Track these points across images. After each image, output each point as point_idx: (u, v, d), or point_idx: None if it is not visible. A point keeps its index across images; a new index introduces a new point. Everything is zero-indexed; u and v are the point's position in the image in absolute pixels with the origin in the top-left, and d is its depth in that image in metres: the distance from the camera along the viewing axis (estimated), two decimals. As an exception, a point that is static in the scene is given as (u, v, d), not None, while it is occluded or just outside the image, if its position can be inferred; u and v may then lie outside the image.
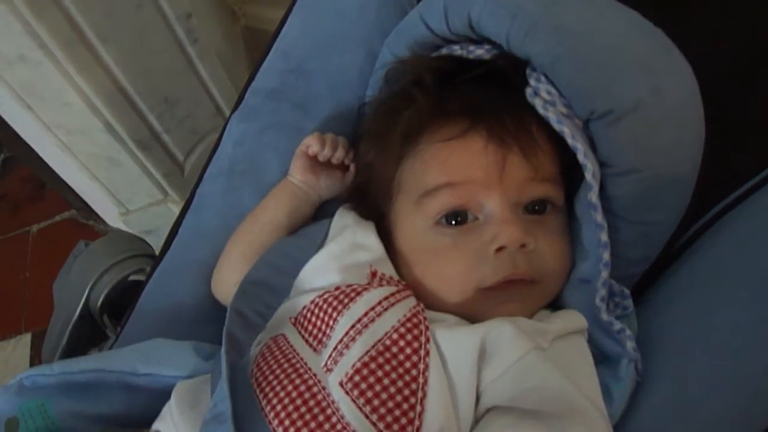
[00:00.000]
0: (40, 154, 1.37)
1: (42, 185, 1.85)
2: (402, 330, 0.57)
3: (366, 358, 0.56)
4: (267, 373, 0.58)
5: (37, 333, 1.65)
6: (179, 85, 1.31)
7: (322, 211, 0.79)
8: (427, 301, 0.62)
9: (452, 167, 0.62)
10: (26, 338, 1.65)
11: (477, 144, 0.61)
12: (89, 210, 1.61)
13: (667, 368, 0.58)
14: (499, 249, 0.59)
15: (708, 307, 0.59)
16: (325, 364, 0.57)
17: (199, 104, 1.37)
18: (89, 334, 0.91)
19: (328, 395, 0.55)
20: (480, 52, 0.66)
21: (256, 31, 1.54)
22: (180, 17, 1.23)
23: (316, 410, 0.54)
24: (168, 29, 1.24)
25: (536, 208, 0.62)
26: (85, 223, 1.77)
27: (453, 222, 0.62)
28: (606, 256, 0.59)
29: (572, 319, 0.61)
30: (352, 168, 0.76)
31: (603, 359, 0.60)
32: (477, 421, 0.54)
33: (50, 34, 1.03)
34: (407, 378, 0.54)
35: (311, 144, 0.73)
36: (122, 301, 0.86)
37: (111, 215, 1.52)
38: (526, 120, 0.62)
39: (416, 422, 0.52)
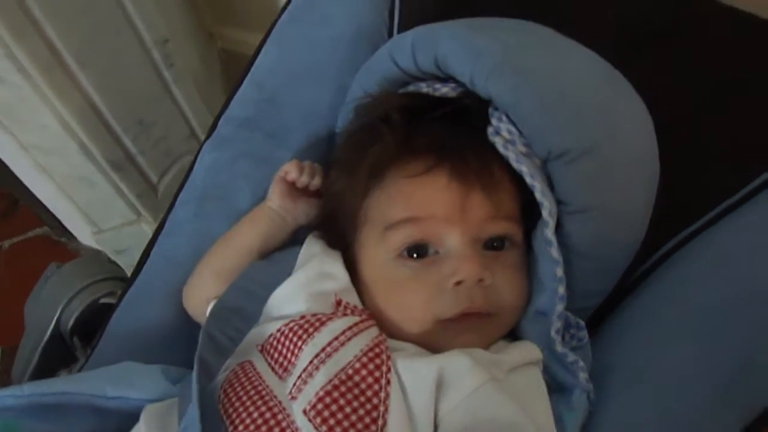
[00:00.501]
0: (16, 173, 1.37)
1: (15, 201, 1.83)
2: (364, 359, 0.58)
3: (329, 387, 0.57)
4: (233, 398, 0.59)
5: (7, 349, 1.63)
6: (154, 109, 1.32)
7: (295, 237, 0.80)
8: (389, 330, 0.64)
9: (416, 203, 0.64)
10: (-4, 354, 1.64)
11: (440, 181, 0.63)
12: (62, 228, 1.60)
13: (617, 398, 0.60)
14: (458, 283, 0.61)
15: (658, 339, 0.62)
16: (290, 392, 0.58)
17: (174, 127, 1.37)
18: (60, 356, 0.91)
19: (293, 422, 0.56)
20: (445, 90, 0.69)
21: (233, 53, 1.55)
22: (157, 42, 1.24)
23: None
24: (145, 54, 1.24)
25: (495, 244, 0.64)
26: (57, 241, 1.75)
27: (415, 255, 0.63)
28: (561, 290, 0.62)
29: (527, 351, 0.63)
30: None
31: (557, 389, 0.62)
32: None
33: (29, 58, 1.03)
34: (368, 406, 0.56)
35: (290, 170, 0.75)
36: (93, 323, 0.87)
37: (84, 234, 1.51)
38: (488, 159, 0.64)
39: None
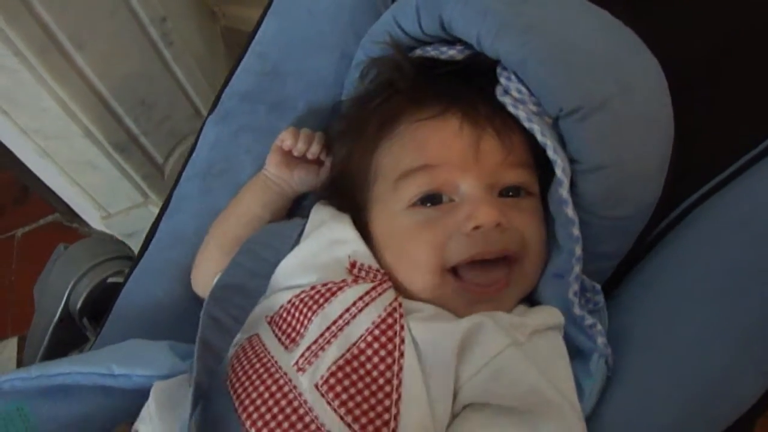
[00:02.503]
0: (21, 158, 1.36)
1: (26, 189, 1.83)
2: (376, 332, 0.57)
3: (341, 362, 0.56)
4: (240, 374, 0.58)
5: (23, 336, 1.63)
6: (156, 88, 1.31)
7: (298, 204, 0.81)
8: (405, 291, 0.62)
9: (428, 149, 0.63)
10: (12, 342, 1.64)
11: (452, 125, 0.62)
12: (72, 213, 1.60)
13: (633, 364, 0.59)
14: (476, 228, 0.59)
15: (674, 301, 0.61)
16: (296, 363, 0.57)
17: (177, 106, 1.37)
18: (70, 337, 0.91)
19: (300, 395, 0.55)
20: (452, 52, 0.67)
21: (236, 31, 1.53)
22: (154, 21, 1.23)
23: (288, 410, 0.54)
24: (143, 33, 1.23)
25: (510, 193, 0.63)
26: (69, 226, 1.75)
27: (429, 204, 0.62)
28: (578, 250, 0.60)
29: (550, 315, 0.61)
30: (327, 162, 0.76)
31: (575, 354, 0.60)
32: (454, 416, 0.55)
33: (24, 41, 1.03)
34: (381, 381, 0.55)
35: (285, 138, 0.74)
36: (101, 303, 0.86)
37: (93, 218, 1.51)
38: (497, 107, 0.63)
39: (392, 424, 0.53)
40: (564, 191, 0.60)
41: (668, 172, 0.63)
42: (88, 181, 1.34)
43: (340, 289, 0.61)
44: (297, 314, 0.61)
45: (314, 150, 0.75)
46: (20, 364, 1.57)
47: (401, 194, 0.63)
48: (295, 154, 0.74)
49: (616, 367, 0.60)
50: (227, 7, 1.52)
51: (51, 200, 1.55)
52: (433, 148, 0.63)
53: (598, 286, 0.63)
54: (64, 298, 0.89)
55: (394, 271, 0.63)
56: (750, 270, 0.57)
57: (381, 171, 0.66)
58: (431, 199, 0.62)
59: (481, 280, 0.61)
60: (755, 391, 0.54)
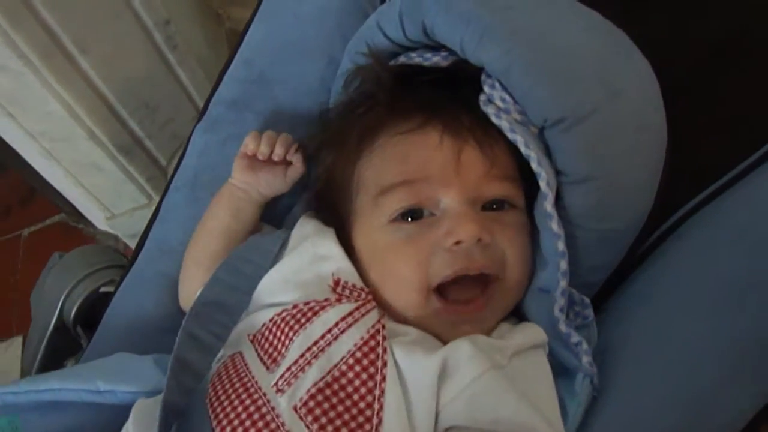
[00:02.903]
0: (27, 160, 1.37)
1: (32, 189, 1.85)
2: (358, 354, 0.56)
3: (321, 384, 0.55)
4: (220, 392, 0.58)
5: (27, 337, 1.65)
6: (159, 91, 1.30)
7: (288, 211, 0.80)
8: (389, 310, 0.61)
9: (408, 164, 0.61)
10: (17, 341, 1.65)
11: (433, 138, 0.61)
12: (78, 214, 1.61)
13: (624, 379, 0.58)
14: (456, 244, 0.58)
15: (666, 316, 0.59)
16: (276, 383, 0.56)
17: (180, 109, 1.36)
18: (65, 345, 0.91)
19: (278, 417, 0.54)
20: (436, 59, 0.65)
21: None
22: (158, 24, 1.22)
23: (264, 431, 0.53)
24: (146, 36, 1.23)
25: (494, 206, 0.61)
26: (74, 227, 1.76)
27: (409, 219, 0.61)
28: (563, 265, 0.59)
29: (532, 334, 0.60)
30: (295, 162, 0.75)
31: (560, 371, 0.59)
32: None
33: (28, 44, 1.03)
34: (362, 405, 0.53)
35: (248, 143, 0.73)
36: (95, 312, 0.86)
37: (98, 219, 1.52)
38: (480, 117, 0.61)
39: None
40: (549, 205, 0.58)
41: (660, 181, 0.61)
42: (93, 182, 1.34)
43: (322, 308, 0.60)
44: (279, 333, 0.60)
45: (279, 152, 0.73)
46: (22, 362, 1.59)
47: (382, 210, 0.62)
48: (260, 157, 0.73)
49: (607, 382, 0.58)
50: (231, 9, 1.51)
51: (57, 201, 1.56)
52: (413, 163, 0.61)
53: (587, 300, 0.62)
54: (58, 308, 0.89)
55: (378, 289, 0.62)
56: (747, 282, 0.55)
57: (363, 183, 0.65)
58: (412, 213, 0.61)
59: (460, 296, 0.60)
60: (750, 409, 0.53)
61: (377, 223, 0.62)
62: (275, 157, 0.73)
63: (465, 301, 0.59)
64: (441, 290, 0.60)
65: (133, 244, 1.47)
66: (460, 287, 0.60)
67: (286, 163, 0.75)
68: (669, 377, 0.55)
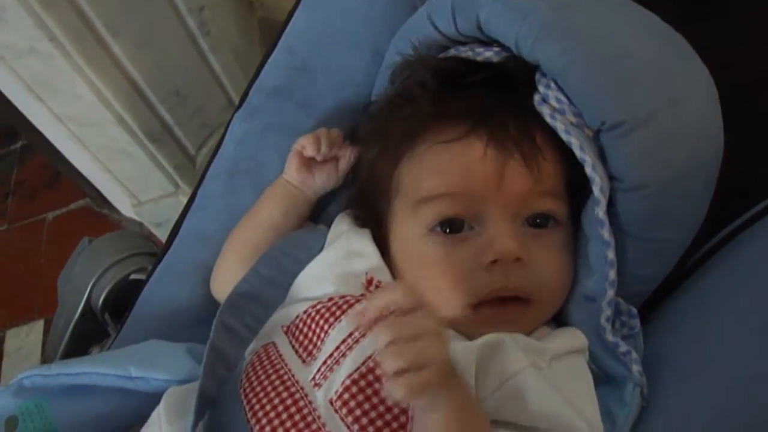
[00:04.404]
0: (54, 144, 1.37)
1: (58, 173, 1.85)
2: None
3: (355, 376, 0.54)
4: (255, 383, 0.57)
5: (50, 320, 1.64)
6: (191, 78, 1.29)
7: (323, 210, 0.79)
8: None
9: (449, 175, 0.60)
10: (39, 325, 1.66)
11: (476, 150, 0.59)
12: (103, 199, 1.61)
13: (672, 396, 0.56)
14: (493, 262, 0.57)
15: (718, 332, 0.57)
16: (313, 378, 0.56)
17: (211, 97, 1.35)
18: (91, 332, 0.91)
19: (315, 410, 0.53)
20: (488, 54, 0.64)
21: (273, 22, 1.52)
22: (192, 10, 1.21)
23: (301, 424, 0.53)
24: (179, 22, 1.22)
25: (537, 221, 0.60)
26: (99, 212, 1.76)
27: (447, 230, 0.59)
28: (612, 274, 0.57)
29: (572, 338, 0.59)
30: (344, 156, 0.74)
31: (606, 380, 0.58)
32: None
33: (60, 27, 1.02)
34: None
35: (306, 146, 0.71)
36: (123, 299, 0.86)
37: (124, 205, 1.52)
38: (530, 127, 0.60)
39: None
40: (601, 211, 0.56)
41: (715, 190, 0.59)
42: (120, 168, 1.34)
43: (357, 301, 0.59)
44: (314, 326, 0.59)
45: (333, 152, 0.72)
46: (46, 347, 1.59)
47: (420, 219, 0.61)
48: (318, 159, 0.72)
49: (655, 395, 0.57)
50: (265, -2, 1.50)
51: (82, 185, 1.56)
52: (454, 174, 0.60)
53: (635, 310, 0.60)
54: (86, 293, 0.88)
55: None
56: None
57: (402, 188, 0.64)
58: (451, 224, 0.59)
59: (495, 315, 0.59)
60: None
61: (414, 232, 0.61)
62: (329, 157, 0.73)
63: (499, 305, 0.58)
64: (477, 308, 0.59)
65: (158, 233, 1.47)
66: (497, 307, 0.58)
67: (336, 159, 0.75)
68: (721, 395, 0.53)
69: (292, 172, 0.74)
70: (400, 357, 0.42)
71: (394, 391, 0.42)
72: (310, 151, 0.71)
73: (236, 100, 1.38)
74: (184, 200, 1.37)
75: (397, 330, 0.43)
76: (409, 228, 0.62)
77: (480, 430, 0.49)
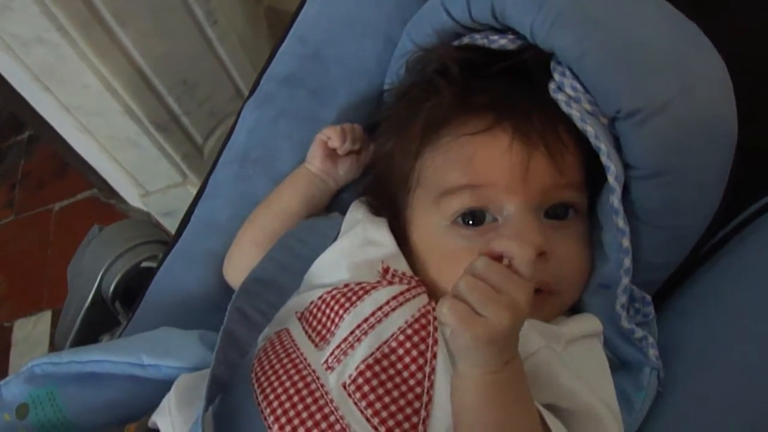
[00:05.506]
0: (61, 134, 1.37)
1: (65, 163, 1.85)
2: (409, 331, 0.55)
3: (370, 360, 0.54)
4: (267, 368, 0.57)
5: (58, 310, 1.65)
6: (198, 68, 1.29)
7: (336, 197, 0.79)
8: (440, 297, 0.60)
9: (475, 168, 0.60)
10: (47, 315, 1.66)
11: (501, 142, 0.59)
12: (110, 189, 1.61)
13: (686, 382, 0.56)
14: None
15: (733, 318, 0.57)
16: (326, 361, 0.56)
17: (219, 87, 1.35)
18: (101, 320, 0.91)
19: (327, 393, 0.53)
20: (503, 42, 0.63)
21: (279, 12, 1.51)
22: (199, -1, 1.22)
23: (313, 408, 0.53)
24: (186, 11, 1.22)
25: (558, 212, 0.60)
26: (106, 203, 1.77)
27: (470, 222, 0.60)
28: (627, 262, 0.57)
29: (587, 322, 0.59)
30: (365, 148, 0.74)
31: (622, 366, 0.58)
32: None
33: (67, 16, 1.02)
34: (412, 382, 0.53)
35: (332, 137, 0.71)
36: (134, 287, 0.86)
37: (131, 195, 1.52)
38: (553, 118, 0.60)
39: (420, 427, 0.51)
40: (616, 200, 0.56)
41: (729, 178, 0.59)
42: (128, 158, 1.34)
43: (374, 288, 0.59)
44: (328, 311, 0.59)
45: (357, 145, 0.73)
46: (54, 338, 1.60)
47: (443, 211, 0.61)
48: (341, 152, 0.73)
49: (670, 380, 0.57)
50: (271, -13, 1.50)
51: (89, 176, 1.56)
52: (478, 166, 0.59)
53: (648, 298, 0.60)
54: (97, 281, 0.88)
55: (434, 283, 0.61)
56: None
57: (423, 181, 0.63)
58: (473, 215, 0.59)
59: None
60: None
61: (436, 223, 0.61)
62: (354, 149, 0.73)
63: None
64: None
65: (165, 223, 1.47)
66: None
67: (357, 152, 0.75)
68: (737, 380, 0.53)
69: (316, 161, 0.74)
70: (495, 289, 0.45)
71: (471, 325, 0.44)
72: (336, 143, 0.71)
73: (244, 89, 1.38)
74: (192, 190, 1.38)
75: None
76: (431, 219, 0.62)
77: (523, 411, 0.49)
